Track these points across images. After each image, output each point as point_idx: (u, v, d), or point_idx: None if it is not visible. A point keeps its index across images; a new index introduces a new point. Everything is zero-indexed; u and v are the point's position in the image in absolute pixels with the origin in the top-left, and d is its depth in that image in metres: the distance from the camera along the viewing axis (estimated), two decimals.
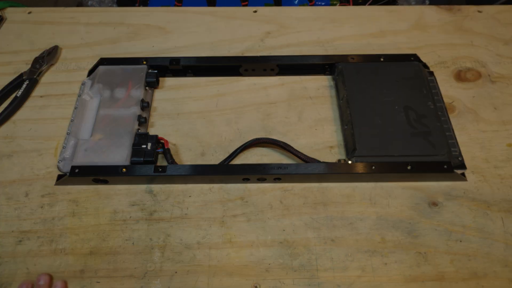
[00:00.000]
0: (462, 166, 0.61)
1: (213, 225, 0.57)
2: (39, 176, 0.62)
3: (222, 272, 0.54)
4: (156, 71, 0.70)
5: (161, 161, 0.63)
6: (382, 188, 0.60)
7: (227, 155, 0.62)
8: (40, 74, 0.73)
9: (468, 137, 0.65)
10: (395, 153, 0.59)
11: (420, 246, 0.55)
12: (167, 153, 0.61)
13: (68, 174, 0.59)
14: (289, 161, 0.63)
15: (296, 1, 1.14)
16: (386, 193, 0.60)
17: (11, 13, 0.84)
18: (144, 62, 0.70)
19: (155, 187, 0.61)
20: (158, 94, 0.71)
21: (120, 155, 0.60)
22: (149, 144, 0.61)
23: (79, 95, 0.67)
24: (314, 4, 1.14)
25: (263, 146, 0.64)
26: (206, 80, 0.73)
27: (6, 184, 0.61)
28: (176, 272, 0.54)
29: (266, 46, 0.78)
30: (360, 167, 0.58)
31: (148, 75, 0.69)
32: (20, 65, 0.75)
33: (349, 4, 1.15)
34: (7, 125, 0.68)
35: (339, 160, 0.62)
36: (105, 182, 0.60)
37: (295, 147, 0.62)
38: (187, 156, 0.64)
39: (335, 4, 1.15)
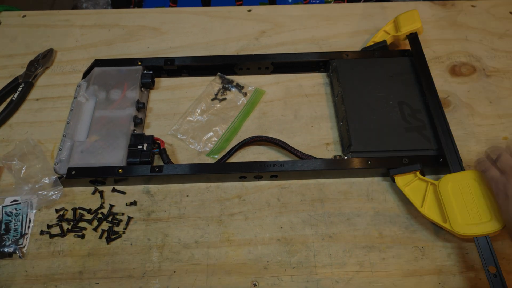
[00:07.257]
0: None
1: (211, 224, 0.57)
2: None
3: (220, 271, 0.54)
4: (151, 71, 0.70)
5: (158, 162, 0.63)
6: (378, 183, 0.60)
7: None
8: (36, 77, 0.73)
9: (463, 131, 0.65)
10: (390, 148, 0.60)
11: (417, 240, 0.55)
12: (163, 153, 0.61)
13: (65, 176, 0.59)
14: (285, 159, 0.63)
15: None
16: (383, 189, 0.60)
17: (5, 17, 0.84)
18: (139, 63, 0.70)
19: (152, 187, 0.61)
20: (153, 94, 0.71)
21: (116, 156, 0.60)
22: (145, 145, 0.61)
23: (75, 97, 0.67)
24: (309, 2, 1.14)
25: (259, 144, 0.64)
26: (202, 79, 0.73)
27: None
28: (174, 272, 0.54)
29: (261, 45, 0.78)
30: (356, 163, 0.59)
31: (143, 76, 0.69)
32: (15, 69, 0.75)
33: (344, 2, 1.15)
34: (4, 129, 0.68)
35: (335, 157, 0.62)
36: (102, 183, 0.60)
37: (292, 145, 0.62)
38: (183, 156, 0.64)
39: (329, 2, 1.15)
